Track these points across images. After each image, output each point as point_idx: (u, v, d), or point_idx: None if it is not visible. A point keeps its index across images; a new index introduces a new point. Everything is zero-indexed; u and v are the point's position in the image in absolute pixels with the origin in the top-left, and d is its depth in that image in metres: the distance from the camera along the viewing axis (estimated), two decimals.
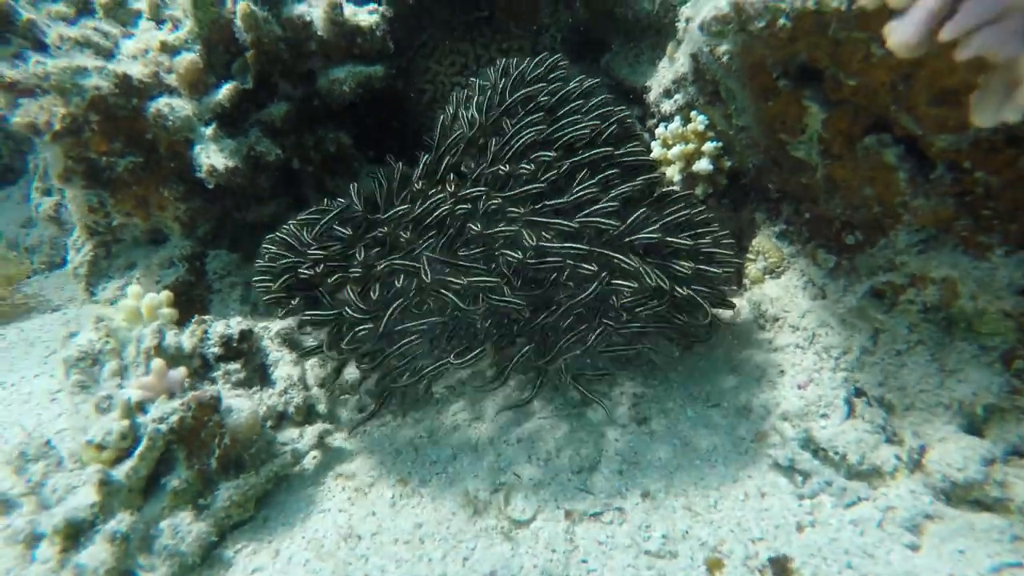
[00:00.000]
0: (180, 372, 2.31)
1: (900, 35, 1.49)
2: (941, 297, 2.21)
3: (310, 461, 2.60)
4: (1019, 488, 1.97)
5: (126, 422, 2.15)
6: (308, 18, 2.95)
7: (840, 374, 2.42)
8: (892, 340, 2.33)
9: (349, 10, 3.09)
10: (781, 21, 1.92)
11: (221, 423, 2.28)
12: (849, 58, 1.99)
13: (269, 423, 2.63)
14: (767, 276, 2.82)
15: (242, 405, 2.36)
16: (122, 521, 2.04)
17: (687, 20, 2.57)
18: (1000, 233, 2.03)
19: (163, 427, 2.16)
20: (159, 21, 3.17)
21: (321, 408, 2.74)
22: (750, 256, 2.93)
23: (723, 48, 2.20)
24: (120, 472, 2.13)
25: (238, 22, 2.84)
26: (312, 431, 2.60)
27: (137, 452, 2.14)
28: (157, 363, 2.25)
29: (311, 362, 2.87)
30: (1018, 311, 2.01)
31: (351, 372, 2.87)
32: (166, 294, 2.82)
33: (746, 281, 2.95)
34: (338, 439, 2.70)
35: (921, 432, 2.20)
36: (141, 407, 2.23)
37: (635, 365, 2.89)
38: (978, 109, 1.42)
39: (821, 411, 2.36)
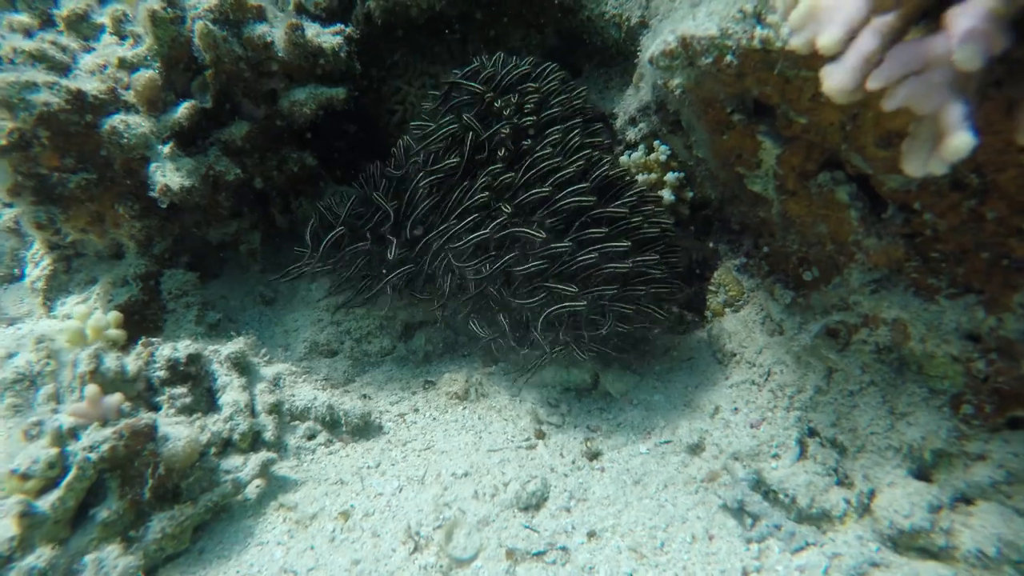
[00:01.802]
0: (115, 398, 2.25)
1: (835, 80, 1.46)
2: (893, 338, 2.18)
3: (253, 490, 2.52)
4: (965, 536, 1.93)
5: (55, 450, 2.08)
6: (269, 38, 2.91)
7: (794, 413, 2.38)
8: (845, 380, 2.29)
9: (312, 31, 3.06)
10: (728, 58, 1.90)
11: (156, 452, 2.21)
12: (798, 96, 1.97)
13: (213, 450, 2.56)
14: (727, 309, 2.79)
15: (180, 433, 2.30)
16: (41, 556, 1.97)
17: (645, 49, 2.56)
18: (948, 276, 2.01)
19: (93, 456, 2.09)
20: (121, 36, 3.13)
21: (268, 435, 2.67)
22: (712, 288, 2.90)
23: (675, 82, 2.18)
24: (45, 503, 2.05)
25: (196, 41, 2.80)
26: (256, 459, 2.53)
27: (65, 482, 2.07)
28: (91, 389, 2.18)
29: (261, 387, 2.80)
30: (965, 355, 1.98)
31: (300, 398, 2.81)
32: (114, 314, 2.76)
33: (707, 313, 2.92)
34: (284, 468, 2.63)
35: (871, 475, 2.16)
36: (73, 434, 2.16)
37: (592, 398, 2.85)
38: (907, 158, 1.39)
39: (773, 451, 2.32)
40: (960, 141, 1.24)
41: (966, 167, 1.80)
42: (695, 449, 2.47)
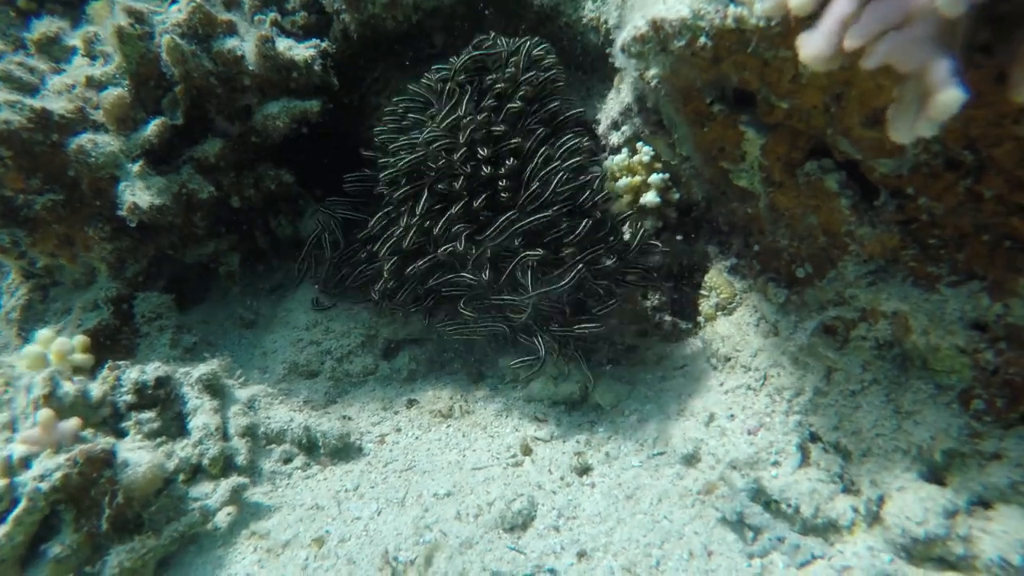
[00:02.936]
0: (72, 423, 2.12)
1: (812, 48, 1.37)
2: (894, 332, 2.05)
3: (223, 518, 2.37)
4: (985, 543, 1.77)
5: (3, 481, 1.95)
6: (239, 52, 2.86)
7: (793, 417, 2.24)
8: (846, 380, 2.15)
9: (284, 44, 3.01)
10: (702, 40, 1.81)
11: (114, 479, 2.08)
12: (778, 79, 1.87)
13: (181, 477, 2.42)
14: (719, 313, 2.66)
15: (141, 459, 2.17)
16: None
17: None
18: (948, 263, 1.88)
19: (45, 486, 1.96)
20: (92, 56, 3.08)
21: (241, 460, 2.53)
22: (703, 292, 2.77)
23: (651, 72, 2.10)
24: None
25: (164, 56, 2.74)
26: (226, 485, 2.39)
27: (12, 516, 1.94)
28: (44, 414, 2.06)
29: (234, 409, 2.67)
30: (971, 347, 1.85)
31: (276, 420, 2.67)
32: (80, 339, 2.65)
33: (700, 318, 2.79)
34: (257, 494, 2.49)
35: (879, 480, 2.01)
36: (24, 463, 2.03)
37: (582, 411, 2.71)
38: (894, 125, 1.28)
39: (772, 459, 2.17)
40: (948, 96, 1.14)
41: (958, 144, 1.69)
42: (690, 460, 2.32)
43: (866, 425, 2.06)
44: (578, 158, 2.61)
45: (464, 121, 2.65)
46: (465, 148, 2.65)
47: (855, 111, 1.79)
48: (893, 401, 2.03)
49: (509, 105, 2.69)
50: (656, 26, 1.83)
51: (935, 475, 1.92)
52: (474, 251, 2.58)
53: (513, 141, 2.65)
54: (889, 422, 2.01)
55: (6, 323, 3.63)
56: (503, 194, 2.61)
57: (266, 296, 3.67)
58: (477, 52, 2.85)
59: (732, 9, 1.73)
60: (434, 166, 2.69)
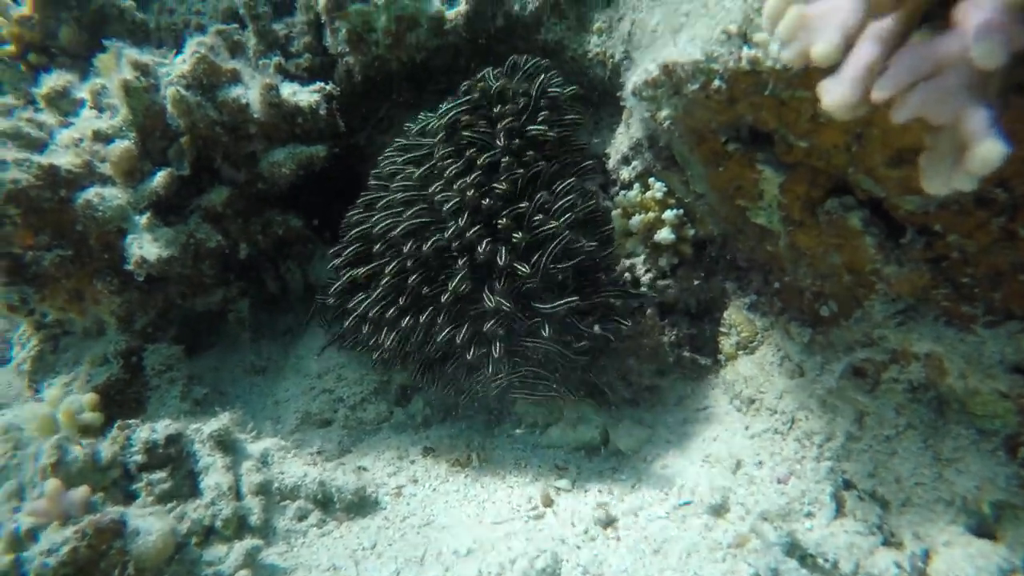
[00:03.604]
0: (81, 492, 2.07)
1: (835, 95, 1.30)
2: (927, 375, 1.97)
3: None
4: None
5: (8, 557, 1.89)
6: (244, 100, 2.84)
7: (824, 464, 2.14)
8: (879, 424, 2.06)
9: (288, 90, 3.00)
10: (716, 83, 1.76)
11: (124, 550, 2.02)
12: (796, 119, 1.82)
13: (194, 540, 2.35)
14: (741, 352, 2.58)
15: (152, 526, 2.10)
16: None
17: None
18: (983, 302, 1.80)
19: (52, 561, 1.90)
20: (100, 109, 3.08)
21: (254, 520, 2.46)
22: (723, 330, 2.70)
23: (663, 114, 2.05)
24: None
25: (170, 108, 2.73)
26: (241, 548, 2.32)
27: None
28: (51, 484, 2.01)
29: (247, 465, 2.61)
30: (1016, 391, 1.76)
31: (290, 475, 2.61)
32: (88, 397, 2.61)
33: (720, 357, 2.71)
34: (271, 555, 2.41)
35: (922, 533, 1.91)
36: (32, 536, 1.98)
37: (602, 457, 2.63)
38: (927, 175, 1.22)
39: (806, 509, 2.07)
40: (988, 150, 1.07)
41: (990, 181, 1.62)
42: (718, 510, 2.23)
43: (904, 473, 1.97)
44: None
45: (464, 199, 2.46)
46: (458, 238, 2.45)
47: (878, 151, 1.73)
48: (932, 447, 1.94)
49: (511, 173, 2.46)
50: (668, 70, 1.79)
51: (984, 528, 1.82)
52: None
53: (521, 206, 2.43)
54: (929, 470, 1.92)
55: (17, 375, 3.61)
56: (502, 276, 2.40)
57: (277, 340, 3.62)
58: (465, 102, 2.63)
59: (746, 51, 1.68)
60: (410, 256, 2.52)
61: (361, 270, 2.68)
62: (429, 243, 2.47)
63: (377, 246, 2.66)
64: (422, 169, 2.65)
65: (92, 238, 2.81)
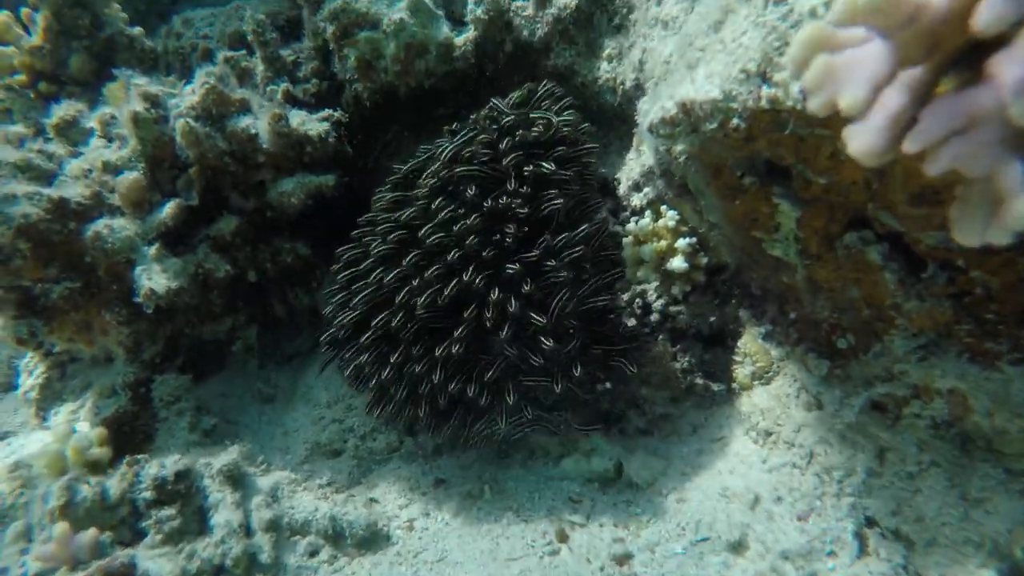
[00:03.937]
0: (90, 535, 2.04)
1: (862, 143, 1.28)
2: (951, 411, 1.93)
3: None
4: None
5: None
6: (253, 131, 2.83)
7: (846, 500, 2.11)
8: (901, 461, 2.03)
9: (297, 119, 2.99)
10: (735, 121, 1.74)
11: None
12: (815, 156, 1.80)
13: None
14: (756, 382, 2.55)
15: (162, 569, 2.07)
16: None
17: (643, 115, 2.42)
18: (1009, 339, 1.77)
19: None
20: (109, 139, 3.08)
21: (265, 558, 2.43)
22: (737, 358, 2.67)
23: (679, 148, 2.03)
24: None
25: (179, 139, 2.73)
26: None
27: None
28: (60, 528, 1.98)
29: (257, 501, 2.58)
30: None
31: (300, 510, 2.58)
32: (97, 432, 2.59)
33: (734, 386, 2.68)
34: None
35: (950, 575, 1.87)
36: None
37: (617, 489, 2.59)
38: (959, 226, 1.19)
39: (828, 548, 2.04)
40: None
41: None
42: (737, 547, 2.19)
43: (929, 512, 1.93)
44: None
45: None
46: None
47: (899, 188, 1.70)
48: (957, 486, 1.90)
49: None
50: (686, 108, 1.77)
51: (1017, 574, 1.78)
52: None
53: (532, 255, 2.33)
54: (955, 510, 1.88)
55: (24, 403, 3.59)
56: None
57: (284, 367, 3.60)
58: (471, 139, 2.51)
59: (766, 91, 1.66)
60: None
61: (350, 316, 2.55)
62: (424, 296, 2.33)
63: (369, 290, 2.53)
64: (410, 211, 2.51)
65: (101, 269, 2.79)
